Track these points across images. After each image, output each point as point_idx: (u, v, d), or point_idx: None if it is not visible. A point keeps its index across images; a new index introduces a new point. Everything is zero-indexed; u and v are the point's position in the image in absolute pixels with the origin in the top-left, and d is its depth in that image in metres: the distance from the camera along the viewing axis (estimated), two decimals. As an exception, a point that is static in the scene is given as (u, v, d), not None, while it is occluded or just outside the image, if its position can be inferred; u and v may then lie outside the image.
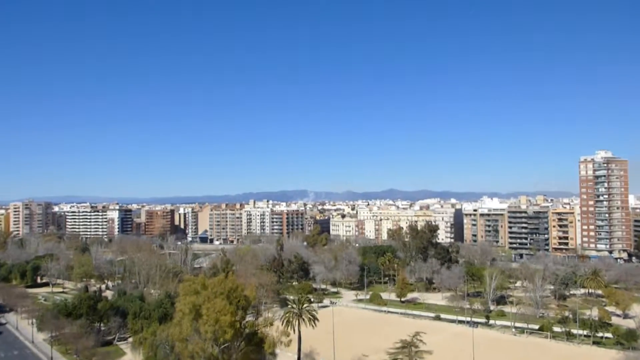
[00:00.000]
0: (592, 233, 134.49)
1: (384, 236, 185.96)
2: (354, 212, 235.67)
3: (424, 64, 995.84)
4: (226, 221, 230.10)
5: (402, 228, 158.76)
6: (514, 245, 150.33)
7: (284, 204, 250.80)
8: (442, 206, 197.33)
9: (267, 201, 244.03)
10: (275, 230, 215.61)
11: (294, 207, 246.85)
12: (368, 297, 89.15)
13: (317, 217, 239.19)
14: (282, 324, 50.56)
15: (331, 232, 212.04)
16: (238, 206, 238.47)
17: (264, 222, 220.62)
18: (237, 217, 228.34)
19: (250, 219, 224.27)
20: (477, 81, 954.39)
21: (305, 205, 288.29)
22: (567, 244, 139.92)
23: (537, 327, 64.95)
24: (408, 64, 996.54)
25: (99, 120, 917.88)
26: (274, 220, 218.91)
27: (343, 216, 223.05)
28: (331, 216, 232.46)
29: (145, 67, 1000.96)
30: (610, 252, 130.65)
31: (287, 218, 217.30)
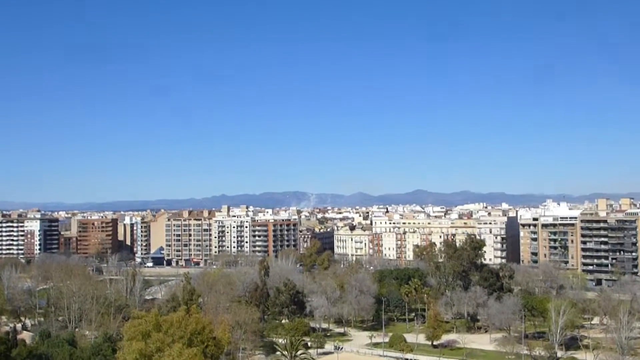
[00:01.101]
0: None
1: (409, 255, 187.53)
2: (368, 222, 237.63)
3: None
4: (190, 235, 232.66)
5: (435, 244, 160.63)
6: (590, 268, 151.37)
7: (270, 211, 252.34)
8: (489, 213, 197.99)
9: (247, 207, 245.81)
10: (258, 248, 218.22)
11: (283, 215, 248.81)
12: (387, 340, 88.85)
13: (317, 229, 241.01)
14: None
15: (336, 249, 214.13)
16: (206, 214, 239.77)
17: (242, 237, 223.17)
18: (205, 230, 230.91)
19: (223, 231, 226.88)
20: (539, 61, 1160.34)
21: (299, 212, 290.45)
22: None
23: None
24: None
25: (11, 105, 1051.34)
26: (257, 233, 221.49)
27: (352, 227, 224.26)
28: (335, 227, 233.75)
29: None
30: None
31: (274, 230, 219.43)
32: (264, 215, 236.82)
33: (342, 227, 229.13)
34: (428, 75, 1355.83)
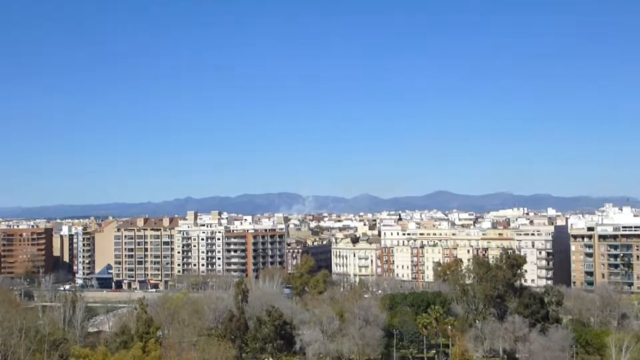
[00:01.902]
0: None
1: (428, 276, 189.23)
2: (375, 232, 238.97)
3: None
4: (146, 249, 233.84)
5: (461, 261, 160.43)
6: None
7: (249, 218, 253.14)
8: (531, 222, 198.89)
9: (220, 213, 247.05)
10: (234, 266, 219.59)
11: (266, 223, 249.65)
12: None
13: (309, 242, 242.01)
14: None
15: (334, 267, 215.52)
16: (167, 222, 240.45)
17: (213, 251, 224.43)
18: (166, 243, 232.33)
19: (188, 245, 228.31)
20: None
21: (287, 220, 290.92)
22: None
23: None
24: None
25: None
26: (232, 247, 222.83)
27: (355, 240, 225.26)
28: (334, 240, 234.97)
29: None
30: None
31: (254, 244, 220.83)
32: (241, 223, 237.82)
33: (341, 238, 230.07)
34: (460, 55, 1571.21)
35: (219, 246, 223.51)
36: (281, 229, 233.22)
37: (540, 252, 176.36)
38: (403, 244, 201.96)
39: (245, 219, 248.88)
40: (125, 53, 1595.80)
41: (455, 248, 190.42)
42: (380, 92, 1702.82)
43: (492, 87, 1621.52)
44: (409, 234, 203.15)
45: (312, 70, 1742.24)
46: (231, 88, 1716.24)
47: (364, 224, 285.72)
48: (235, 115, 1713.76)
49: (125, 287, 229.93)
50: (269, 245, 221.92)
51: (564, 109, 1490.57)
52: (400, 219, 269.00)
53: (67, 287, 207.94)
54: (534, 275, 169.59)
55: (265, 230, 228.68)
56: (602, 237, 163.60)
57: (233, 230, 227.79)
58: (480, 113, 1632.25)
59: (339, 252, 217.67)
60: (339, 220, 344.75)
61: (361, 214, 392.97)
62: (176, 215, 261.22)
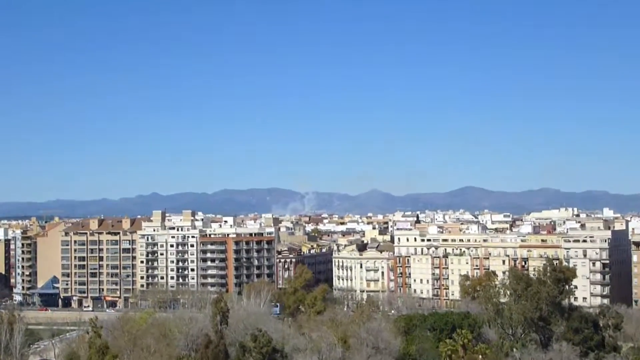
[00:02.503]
0: None
1: (453, 292, 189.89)
2: (387, 237, 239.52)
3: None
4: (101, 258, 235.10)
5: (494, 274, 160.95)
6: None
7: (230, 219, 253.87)
8: (583, 225, 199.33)
9: (194, 213, 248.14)
10: (211, 279, 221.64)
11: (252, 226, 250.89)
12: None
13: (305, 249, 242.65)
14: None
15: (335, 281, 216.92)
16: (127, 224, 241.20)
17: (184, 261, 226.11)
18: (126, 250, 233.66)
19: (154, 253, 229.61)
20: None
21: (277, 222, 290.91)
22: None
23: None
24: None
25: None
26: (209, 255, 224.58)
27: (362, 246, 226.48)
28: (335, 247, 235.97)
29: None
30: None
31: (237, 251, 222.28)
32: (220, 226, 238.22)
33: (345, 245, 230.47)
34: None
35: (192, 254, 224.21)
36: (270, 233, 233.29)
37: (593, 264, 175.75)
38: (422, 253, 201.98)
39: (226, 221, 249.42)
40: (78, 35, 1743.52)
41: (487, 258, 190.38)
42: (392, 74, 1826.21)
43: (535, 63, 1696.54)
44: (429, 240, 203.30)
45: (308, 44, 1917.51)
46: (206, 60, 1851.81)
47: (373, 227, 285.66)
48: (212, 93, 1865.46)
49: (74, 305, 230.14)
50: (255, 254, 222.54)
51: (626, 88, 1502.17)
52: (418, 221, 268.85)
53: (2, 304, 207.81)
54: (586, 293, 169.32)
55: (251, 234, 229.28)
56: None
57: (210, 235, 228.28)
58: (518, 92, 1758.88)
59: (342, 262, 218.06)
60: (342, 223, 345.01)
61: (369, 214, 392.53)
62: (139, 216, 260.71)
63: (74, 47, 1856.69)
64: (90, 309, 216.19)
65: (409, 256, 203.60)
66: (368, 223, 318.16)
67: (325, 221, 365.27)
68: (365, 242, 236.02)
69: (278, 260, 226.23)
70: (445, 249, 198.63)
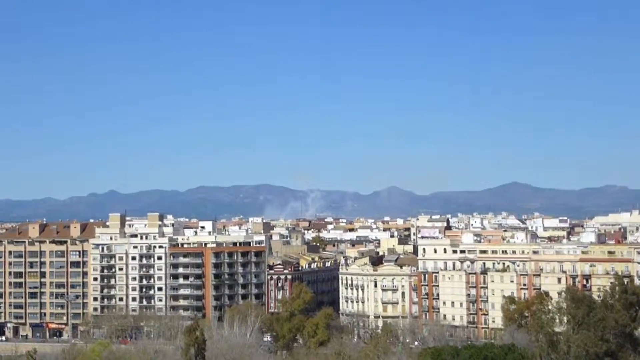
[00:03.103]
0: None
1: (494, 318, 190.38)
2: (409, 247, 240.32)
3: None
4: (43, 274, 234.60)
5: (547, 296, 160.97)
6: None
7: (208, 224, 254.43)
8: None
9: (162, 217, 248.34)
10: (184, 301, 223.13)
11: (236, 233, 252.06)
12: None
13: (304, 263, 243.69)
14: None
15: (342, 304, 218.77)
16: (76, 231, 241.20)
17: (150, 277, 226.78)
18: (76, 264, 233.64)
19: (111, 267, 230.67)
20: None
21: (269, 228, 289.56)
22: None
23: None
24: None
25: None
26: (182, 270, 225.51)
27: (377, 259, 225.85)
28: (343, 260, 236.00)
29: None
30: None
31: (217, 265, 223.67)
32: (196, 233, 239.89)
33: (355, 258, 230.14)
34: None
35: (159, 269, 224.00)
36: (259, 242, 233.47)
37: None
38: (453, 268, 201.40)
39: (203, 227, 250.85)
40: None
41: (538, 274, 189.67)
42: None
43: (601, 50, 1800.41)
44: (462, 252, 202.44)
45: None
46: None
47: (391, 235, 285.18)
48: (185, 69, 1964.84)
49: (9, 334, 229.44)
50: (240, 268, 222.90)
51: None
52: (448, 226, 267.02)
53: None
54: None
55: (235, 243, 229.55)
56: None
57: (183, 244, 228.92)
58: (575, 71, 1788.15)
59: (352, 279, 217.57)
60: (351, 229, 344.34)
61: (386, 218, 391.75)
62: (92, 220, 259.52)
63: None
64: (30, 338, 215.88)
65: (437, 272, 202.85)
66: (385, 229, 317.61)
67: (329, 227, 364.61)
68: (380, 253, 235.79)
69: (269, 276, 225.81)
70: (484, 263, 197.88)
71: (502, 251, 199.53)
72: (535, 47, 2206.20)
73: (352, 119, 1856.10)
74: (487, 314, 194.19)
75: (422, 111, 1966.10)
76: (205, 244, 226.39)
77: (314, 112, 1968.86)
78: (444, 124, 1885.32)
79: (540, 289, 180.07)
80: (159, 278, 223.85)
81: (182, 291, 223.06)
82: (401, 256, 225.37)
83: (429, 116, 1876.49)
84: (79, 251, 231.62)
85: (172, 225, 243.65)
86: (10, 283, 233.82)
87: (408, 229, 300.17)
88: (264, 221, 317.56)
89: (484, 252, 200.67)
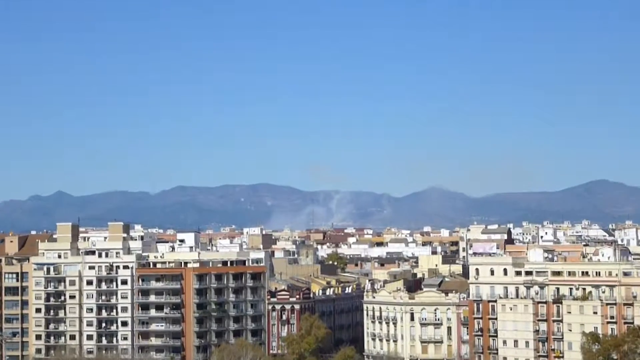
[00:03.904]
0: None
1: None
2: (456, 268, 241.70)
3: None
4: None
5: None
6: None
7: (187, 237, 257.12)
8: None
9: (127, 228, 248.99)
10: (157, 339, 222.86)
11: (225, 249, 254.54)
12: None
13: (316, 288, 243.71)
14: None
15: (368, 342, 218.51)
16: (13, 245, 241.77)
17: (112, 308, 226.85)
18: (12, 290, 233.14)
19: (59, 294, 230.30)
20: None
21: (270, 241, 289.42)
22: None
23: None
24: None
25: None
26: (153, 298, 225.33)
27: (413, 285, 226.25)
28: (368, 285, 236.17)
29: None
30: None
31: (200, 292, 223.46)
32: (172, 248, 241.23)
33: (385, 282, 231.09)
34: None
35: (124, 297, 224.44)
36: (258, 260, 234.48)
37: None
38: (517, 295, 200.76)
39: (182, 240, 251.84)
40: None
41: (631, 304, 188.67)
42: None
43: None
44: (529, 274, 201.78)
45: None
46: None
47: (433, 251, 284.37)
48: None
49: None
50: (232, 296, 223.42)
51: None
52: (510, 239, 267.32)
53: None
54: None
55: (225, 263, 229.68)
56: None
57: (155, 264, 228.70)
58: None
59: (380, 310, 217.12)
60: (380, 243, 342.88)
61: (426, 228, 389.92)
62: (34, 232, 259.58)
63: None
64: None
65: (495, 301, 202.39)
66: (424, 243, 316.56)
67: (351, 240, 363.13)
68: (419, 276, 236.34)
69: (271, 306, 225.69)
70: (558, 289, 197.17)
71: (583, 273, 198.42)
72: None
73: (382, 102, 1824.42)
74: (562, 357, 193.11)
75: (476, 92, 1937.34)
76: (186, 264, 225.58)
77: (330, 98, 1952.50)
78: (504, 105, 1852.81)
79: (633, 322, 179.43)
80: (124, 309, 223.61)
81: (154, 326, 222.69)
82: (446, 279, 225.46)
83: (484, 98, 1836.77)
84: (17, 273, 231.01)
85: (141, 238, 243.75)
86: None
87: (456, 243, 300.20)
88: (264, 232, 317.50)
89: (558, 273, 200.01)
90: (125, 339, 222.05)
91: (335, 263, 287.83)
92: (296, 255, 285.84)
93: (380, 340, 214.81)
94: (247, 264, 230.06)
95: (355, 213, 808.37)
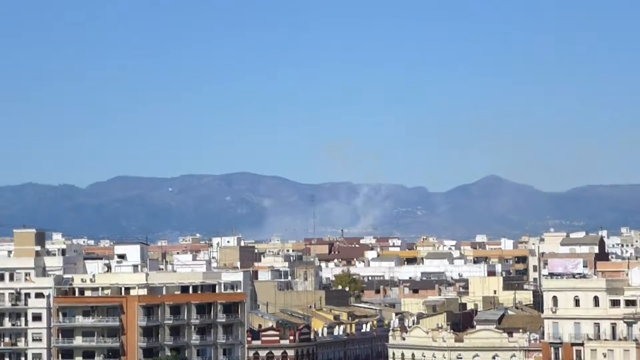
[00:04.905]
0: None
1: None
2: (526, 296, 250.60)
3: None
4: None
5: None
6: None
7: (132, 250, 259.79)
8: None
9: (40, 237, 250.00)
10: None
11: (188, 268, 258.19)
12: None
13: (318, 326, 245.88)
14: None
15: None
16: None
17: (21, 353, 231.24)
18: None
19: None
20: None
21: (253, 255, 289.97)
22: None
23: None
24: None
25: None
26: (80, 341, 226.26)
27: (463, 319, 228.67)
28: (394, 320, 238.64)
29: None
30: None
31: (149, 330, 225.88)
32: (108, 268, 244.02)
33: (420, 315, 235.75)
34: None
35: (37, 339, 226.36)
36: (233, 284, 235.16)
37: None
38: (613, 336, 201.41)
39: (123, 255, 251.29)
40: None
41: None
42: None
43: None
44: (630, 303, 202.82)
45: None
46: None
47: (489, 270, 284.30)
48: None
49: None
50: (195, 337, 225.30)
51: None
52: (603, 252, 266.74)
53: None
54: None
55: (186, 289, 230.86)
56: None
57: (83, 290, 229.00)
58: None
59: (412, 357, 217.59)
60: (412, 259, 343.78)
61: (480, 238, 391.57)
62: None
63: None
64: None
65: (582, 344, 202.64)
66: (476, 260, 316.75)
67: (369, 255, 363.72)
68: (469, 307, 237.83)
69: (253, 352, 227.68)
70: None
71: None
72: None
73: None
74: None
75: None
76: (128, 290, 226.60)
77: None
78: (583, 76, 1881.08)
79: None
80: (36, 356, 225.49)
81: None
82: (510, 312, 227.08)
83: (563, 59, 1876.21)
84: None
85: (63, 252, 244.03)
86: None
87: (523, 259, 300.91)
88: (243, 244, 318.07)
89: None
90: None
91: (347, 288, 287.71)
92: (290, 277, 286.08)
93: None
94: (217, 289, 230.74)
95: (396, 214, 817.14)
